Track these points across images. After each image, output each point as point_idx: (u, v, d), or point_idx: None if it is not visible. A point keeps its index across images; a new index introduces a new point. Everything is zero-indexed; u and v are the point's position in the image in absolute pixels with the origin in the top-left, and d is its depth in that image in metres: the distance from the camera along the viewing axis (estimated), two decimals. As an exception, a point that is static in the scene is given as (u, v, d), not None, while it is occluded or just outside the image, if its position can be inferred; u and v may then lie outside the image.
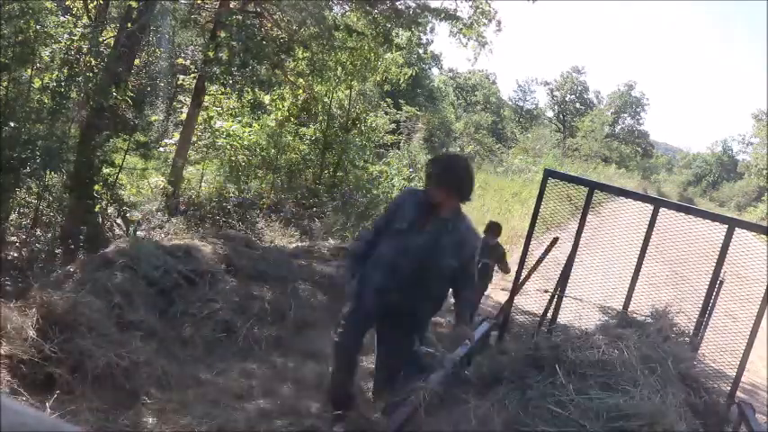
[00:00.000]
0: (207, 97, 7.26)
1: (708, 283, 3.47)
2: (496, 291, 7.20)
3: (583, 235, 3.73)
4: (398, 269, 2.52)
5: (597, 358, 2.25)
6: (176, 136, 7.43)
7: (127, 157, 5.37)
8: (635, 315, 3.22)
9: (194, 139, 7.40)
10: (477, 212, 11.72)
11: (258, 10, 7.20)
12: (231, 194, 7.44)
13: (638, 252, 3.62)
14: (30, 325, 3.31)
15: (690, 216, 3.56)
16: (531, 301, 4.06)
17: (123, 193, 5.62)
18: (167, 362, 3.70)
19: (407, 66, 9.53)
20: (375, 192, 9.05)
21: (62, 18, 5.17)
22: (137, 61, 6.21)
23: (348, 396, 2.86)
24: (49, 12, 4.77)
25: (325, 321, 4.89)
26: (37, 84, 4.70)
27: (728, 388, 3.24)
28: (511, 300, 3.93)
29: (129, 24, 5.21)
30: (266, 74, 7.14)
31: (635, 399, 2.04)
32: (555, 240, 3.85)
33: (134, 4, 5.26)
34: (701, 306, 3.44)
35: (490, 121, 28.73)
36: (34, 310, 3.35)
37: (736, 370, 3.33)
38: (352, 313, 2.71)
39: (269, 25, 7.46)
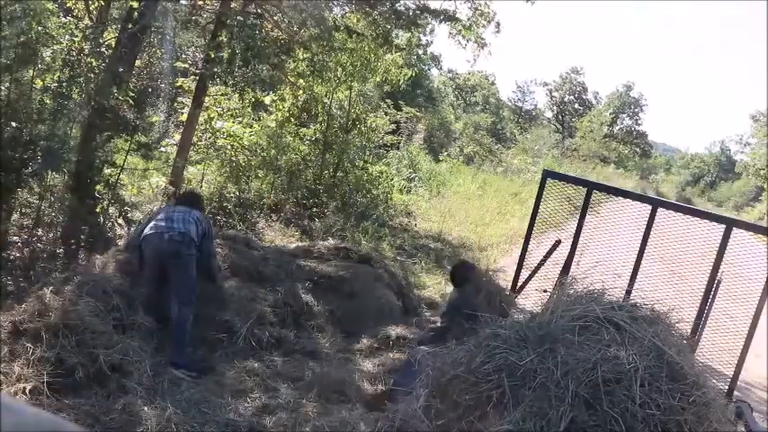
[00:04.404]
0: (207, 98, 7.28)
1: (706, 282, 3.50)
2: (496, 291, 7.22)
3: (582, 235, 3.76)
4: None
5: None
6: (177, 136, 7.44)
7: (128, 157, 5.38)
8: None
9: (195, 139, 7.41)
10: (477, 212, 11.74)
11: (259, 11, 7.22)
12: (232, 195, 7.47)
13: (637, 252, 3.64)
14: (29, 326, 3.33)
15: (688, 216, 3.59)
16: (531, 301, 4.08)
17: (124, 193, 5.63)
18: (167, 362, 3.72)
19: (407, 67, 9.54)
20: (375, 192, 9.07)
21: (63, 19, 5.19)
22: (138, 62, 6.21)
23: None
24: (50, 13, 4.78)
25: (324, 321, 4.91)
26: (38, 84, 4.71)
27: (726, 386, 3.27)
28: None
29: (131, 25, 5.22)
30: (267, 74, 7.16)
31: None
32: (557, 243, 3.86)
33: (135, 5, 5.28)
34: (698, 305, 3.47)
35: (489, 122, 28.75)
36: (35, 311, 3.37)
37: (733, 369, 3.36)
38: None
39: (269, 26, 7.48)
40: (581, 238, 3.78)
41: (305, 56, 7.52)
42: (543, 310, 2.32)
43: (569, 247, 3.83)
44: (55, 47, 4.83)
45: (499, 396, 1.94)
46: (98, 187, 5.06)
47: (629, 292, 3.56)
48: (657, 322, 2.18)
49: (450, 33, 8.06)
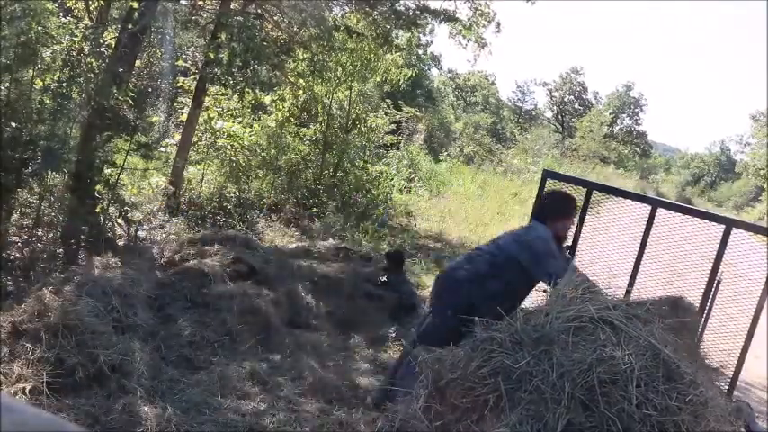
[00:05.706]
0: (207, 98, 7.29)
1: (705, 282, 3.50)
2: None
3: (581, 235, 3.76)
4: None
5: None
6: (177, 136, 7.45)
7: (128, 157, 5.38)
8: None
9: (195, 139, 7.42)
10: (476, 212, 11.75)
11: (259, 11, 7.22)
12: (232, 195, 7.48)
13: (636, 252, 3.64)
14: (29, 326, 3.33)
15: (687, 216, 3.59)
16: (530, 300, 4.08)
17: (124, 193, 5.64)
18: (166, 363, 3.72)
19: (407, 67, 9.55)
20: (375, 192, 9.07)
21: (64, 19, 5.19)
22: (138, 62, 6.22)
23: None
24: (50, 13, 4.78)
25: (324, 321, 4.92)
26: (38, 85, 4.71)
27: (726, 387, 3.27)
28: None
29: (131, 25, 5.22)
30: (267, 75, 7.16)
31: None
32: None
33: (135, 5, 5.28)
34: (698, 305, 3.47)
35: (489, 122, 28.76)
36: (35, 311, 3.37)
37: (733, 369, 3.36)
38: None
39: (269, 26, 7.48)
40: (580, 239, 3.78)
41: (305, 56, 7.52)
42: (538, 311, 2.32)
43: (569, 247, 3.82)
44: (55, 47, 4.83)
45: (495, 400, 1.94)
46: (98, 187, 5.07)
47: (628, 292, 3.56)
48: (653, 321, 2.18)
49: (451, 33, 8.07)
